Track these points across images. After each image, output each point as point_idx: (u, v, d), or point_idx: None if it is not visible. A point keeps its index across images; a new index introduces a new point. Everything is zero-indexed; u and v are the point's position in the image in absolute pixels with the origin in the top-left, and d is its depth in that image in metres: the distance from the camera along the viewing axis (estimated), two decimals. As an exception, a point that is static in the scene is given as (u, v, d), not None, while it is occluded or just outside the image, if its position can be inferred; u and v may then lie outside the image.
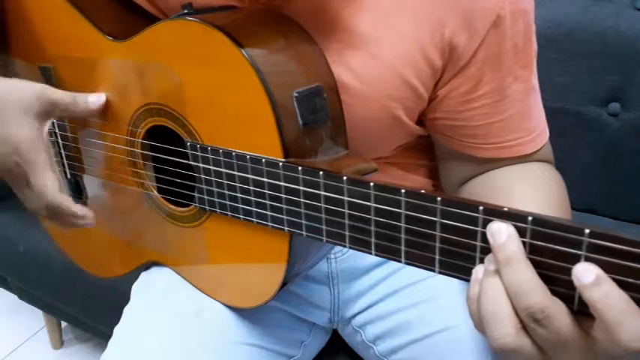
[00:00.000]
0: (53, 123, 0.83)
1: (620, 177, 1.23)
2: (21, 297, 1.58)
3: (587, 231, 0.41)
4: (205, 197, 0.67)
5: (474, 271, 0.48)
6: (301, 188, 0.57)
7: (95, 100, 0.72)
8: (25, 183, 0.68)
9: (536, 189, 0.72)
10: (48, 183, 0.68)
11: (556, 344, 0.44)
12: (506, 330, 0.45)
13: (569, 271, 0.43)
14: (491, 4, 0.65)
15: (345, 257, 0.84)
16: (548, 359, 0.46)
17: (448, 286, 0.78)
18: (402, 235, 0.51)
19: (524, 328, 0.45)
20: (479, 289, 0.47)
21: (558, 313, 0.44)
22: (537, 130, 0.75)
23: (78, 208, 0.72)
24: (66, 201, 0.70)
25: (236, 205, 0.64)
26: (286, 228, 0.61)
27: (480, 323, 0.47)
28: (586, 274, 0.41)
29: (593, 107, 1.22)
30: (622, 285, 0.40)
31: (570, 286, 0.43)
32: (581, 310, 0.43)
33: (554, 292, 0.44)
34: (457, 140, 0.75)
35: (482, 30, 0.65)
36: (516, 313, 0.45)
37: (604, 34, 1.19)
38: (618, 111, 1.21)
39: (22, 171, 0.67)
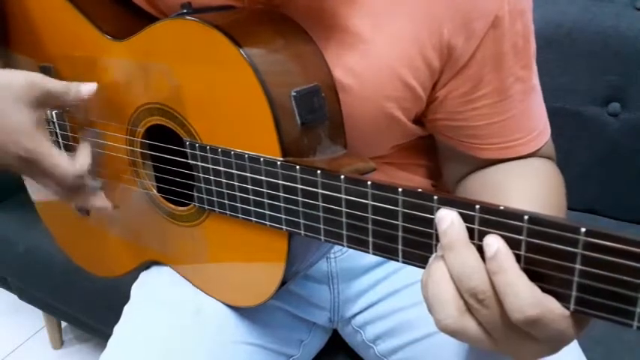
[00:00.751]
0: (53, 122, 0.83)
1: (620, 177, 1.23)
2: (21, 297, 1.59)
3: (583, 229, 0.41)
4: (204, 196, 0.67)
5: (429, 259, 0.49)
6: (299, 187, 0.57)
7: (87, 88, 0.71)
8: (41, 172, 0.68)
9: (532, 184, 0.72)
10: (60, 163, 0.68)
11: (501, 325, 0.45)
12: (449, 311, 0.46)
13: (565, 270, 0.43)
14: (490, 5, 0.65)
15: (345, 257, 0.84)
16: (495, 341, 0.47)
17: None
18: (400, 234, 0.51)
19: (469, 310, 0.46)
20: (427, 274, 0.48)
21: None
22: (538, 130, 0.75)
23: (94, 183, 0.72)
24: (84, 162, 0.71)
25: (235, 204, 0.64)
26: (284, 227, 0.61)
27: (428, 307, 0.48)
28: (488, 246, 0.44)
29: (593, 107, 1.22)
30: (622, 284, 0.40)
31: (567, 285, 0.43)
32: (578, 310, 0.43)
33: (550, 291, 0.44)
34: (458, 141, 0.75)
35: (481, 31, 0.66)
36: (461, 296, 0.46)
37: (604, 34, 1.19)
38: (618, 111, 1.21)
39: (30, 161, 0.67)
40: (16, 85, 0.66)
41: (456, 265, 0.46)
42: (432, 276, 0.47)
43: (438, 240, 0.48)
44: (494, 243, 0.44)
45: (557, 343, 0.47)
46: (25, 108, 0.66)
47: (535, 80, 0.73)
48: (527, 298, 0.43)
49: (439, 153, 0.82)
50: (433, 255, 0.49)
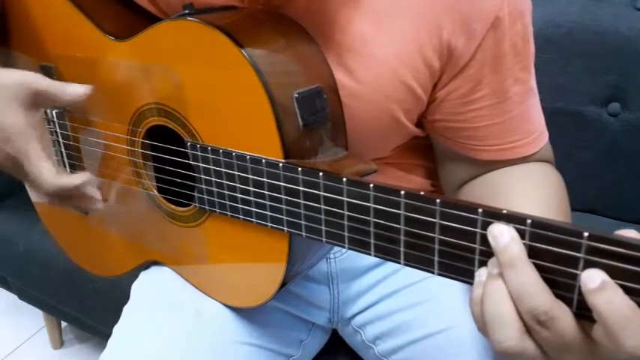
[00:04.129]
0: (54, 122, 0.83)
1: (620, 177, 1.23)
2: (21, 297, 1.58)
3: (586, 234, 0.41)
4: (205, 197, 0.67)
5: (476, 274, 0.47)
6: (301, 189, 0.57)
7: (83, 89, 0.69)
8: (24, 174, 0.67)
9: (535, 189, 0.72)
10: (43, 171, 0.66)
11: (559, 347, 0.44)
12: (510, 333, 0.45)
13: (568, 274, 0.43)
14: (490, 6, 0.65)
15: (345, 257, 0.84)
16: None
17: (448, 286, 0.78)
18: (401, 237, 0.51)
19: (528, 331, 0.45)
20: (482, 292, 0.46)
21: (562, 315, 0.43)
22: (537, 132, 0.75)
23: (90, 190, 0.70)
24: (67, 182, 0.68)
25: (236, 205, 0.64)
26: (286, 228, 0.61)
27: (483, 326, 0.47)
28: (591, 279, 0.41)
29: (593, 107, 1.22)
30: (623, 289, 0.40)
31: (569, 288, 0.43)
32: (580, 314, 0.43)
33: (554, 295, 0.44)
34: (457, 142, 0.75)
35: (481, 32, 0.66)
36: (520, 317, 0.45)
37: (604, 34, 1.19)
38: (618, 111, 1.21)
39: (17, 161, 0.66)
40: (10, 84, 0.65)
41: (517, 284, 0.44)
42: (490, 295, 0.45)
43: (440, 243, 0.48)
44: (597, 275, 0.41)
45: None
46: (19, 108, 0.65)
47: (533, 82, 0.73)
48: None
49: (437, 156, 0.82)
50: (483, 270, 0.47)
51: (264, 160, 0.59)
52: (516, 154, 0.74)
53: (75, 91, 0.68)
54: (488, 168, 0.76)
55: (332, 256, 0.84)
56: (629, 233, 0.42)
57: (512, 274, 0.44)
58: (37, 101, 0.67)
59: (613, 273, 0.40)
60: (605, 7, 1.20)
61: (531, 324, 0.44)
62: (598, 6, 1.20)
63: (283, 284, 0.66)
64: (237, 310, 0.77)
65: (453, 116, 0.72)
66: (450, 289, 0.79)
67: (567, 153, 1.22)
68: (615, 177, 1.24)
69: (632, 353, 0.40)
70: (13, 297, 1.60)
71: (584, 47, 1.20)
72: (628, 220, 1.25)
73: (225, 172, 0.64)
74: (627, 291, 0.40)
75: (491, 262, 0.46)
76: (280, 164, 0.58)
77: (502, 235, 0.44)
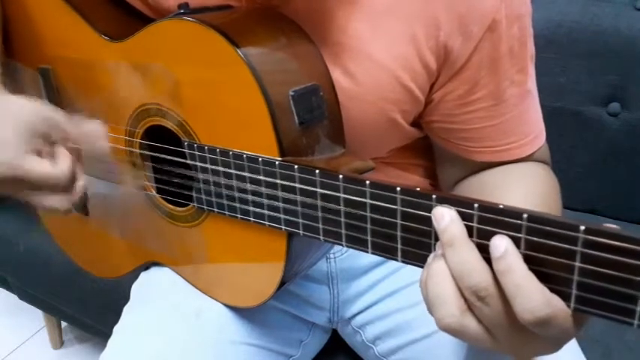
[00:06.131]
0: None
1: (620, 177, 1.23)
2: (21, 297, 1.59)
3: (582, 227, 0.41)
4: (203, 197, 0.67)
5: (428, 258, 0.49)
6: (298, 186, 0.57)
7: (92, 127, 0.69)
8: (30, 186, 0.65)
9: (528, 188, 0.73)
10: (44, 169, 0.64)
11: (502, 323, 0.45)
12: (450, 310, 0.46)
13: (565, 268, 0.42)
14: (487, 8, 0.65)
15: (345, 257, 0.84)
16: (495, 339, 0.46)
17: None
18: (399, 233, 0.51)
19: (470, 308, 0.46)
20: (426, 273, 0.48)
21: (501, 291, 0.45)
22: (533, 134, 0.75)
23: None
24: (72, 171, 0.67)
25: (233, 204, 0.64)
26: (283, 227, 0.61)
27: (429, 306, 0.48)
28: (496, 247, 0.44)
29: (593, 107, 1.22)
30: (621, 281, 0.40)
31: (567, 283, 0.43)
32: (579, 309, 0.43)
33: (550, 290, 0.44)
34: (453, 143, 0.75)
35: (478, 34, 0.66)
36: (462, 294, 0.46)
37: (604, 34, 1.19)
38: (618, 111, 1.21)
39: (18, 178, 0.64)
40: (26, 112, 0.64)
41: (456, 262, 0.45)
42: (432, 274, 0.47)
43: (437, 239, 0.47)
44: (502, 243, 0.44)
45: (560, 341, 0.47)
46: (26, 132, 0.64)
47: (531, 84, 0.73)
48: (538, 299, 0.43)
49: (435, 156, 0.82)
50: (432, 254, 0.49)
51: (260, 159, 0.59)
52: (512, 156, 0.74)
53: (86, 126, 0.68)
54: (484, 168, 0.76)
55: (332, 256, 0.84)
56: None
57: (451, 253, 0.46)
58: (44, 132, 0.65)
59: (610, 266, 0.40)
60: (605, 7, 1.20)
61: (472, 300, 0.45)
62: (598, 6, 1.20)
63: (282, 284, 0.66)
64: (237, 310, 0.77)
65: (449, 118, 0.72)
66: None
67: (567, 153, 1.22)
68: (615, 177, 1.24)
69: (522, 319, 0.43)
70: (13, 297, 1.60)
71: (584, 47, 1.20)
72: (628, 220, 1.25)
73: (223, 171, 0.64)
74: (624, 284, 0.40)
75: (438, 244, 0.47)
76: (277, 162, 0.58)
77: (443, 216, 0.46)
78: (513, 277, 0.43)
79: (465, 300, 0.46)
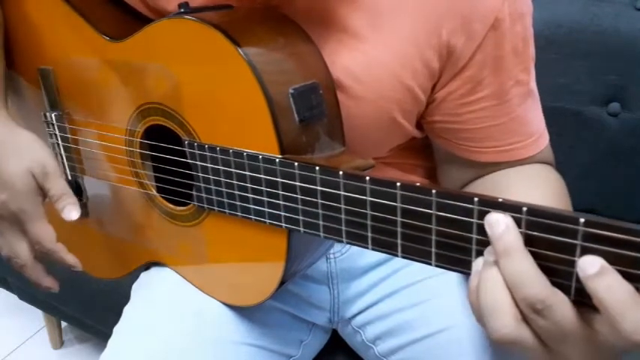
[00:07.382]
0: (53, 125, 0.83)
1: (620, 177, 1.23)
2: (21, 297, 1.59)
3: (582, 220, 0.41)
4: (204, 195, 0.67)
5: (474, 263, 0.47)
6: (298, 184, 0.57)
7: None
8: (20, 231, 0.73)
9: (535, 189, 0.72)
10: (47, 232, 0.74)
11: (557, 336, 0.44)
12: (505, 321, 0.44)
13: (565, 261, 0.42)
14: (490, 7, 0.65)
15: (345, 257, 0.84)
16: (549, 351, 0.45)
17: (448, 286, 0.78)
18: (399, 229, 0.51)
19: (525, 319, 0.44)
20: (478, 281, 0.46)
21: (559, 303, 0.43)
22: (537, 134, 0.75)
23: (70, 258, 0.76)
24: (61, 251, 0.75)
25: (234, 202, 0.64)
26: (284, 224, 0.61)
27: (480, 316, 0.46)
28: (590, 265, 0.41)
29: (593, 107, 1.22)
30: (621, 274, 0.40)
31: (567, 276, 0.43)
32: (579, 301, 0.43)
33: (552, 283, 0.44)
34: (456, 144, 0.75)
35: (481, 32, 0.66)
36: (516, 305, 0.44)
37: (604, 34, 1.19)
38: (618, 111, 1.21)
39: (15, 218, 0.72)
40: (33, 155, 0.73)
41: (512, 272, 0.44)
42: (486, 284, 0.45)
43: (438, 235, 0.47)
44: (597, 262, 0.41)
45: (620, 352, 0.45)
46: (26, 175, 0.71)
47: (533, 84, 0.73)
48: None
49: (436, 158, 0.82)
50: (480, 260, 0.47)
51: (260, 157, 0.60)
52: (515, 156, 0.74)
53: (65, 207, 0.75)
54: (488, 170, 0.76)
55: (332, 255, 0.84)
56: None
57: (508, 263, 0.44)
58: (41, 180, 0.73)
59: (610, 259, 0.40)
60: (605, 7, 1.20)
61: (527, 312, 0.44)
62: (598, 6, 1.20)
63: (282, 282, 0.66)
64: (238, 310, 0.77)
65: (452, 117, 0.72)
66: (449, 288, 0.78)
67: (567, 153, 1.22)
68: (615, 177, 1.24)
69: (631, 338, 0.40)
70: (13, 297, 1.61)
71: (584, 47, 1.20)
72: (628, 220, 1.24)
73: (223, 169, 0.64)
74: (625, 276, 0.40)
75: (488, 250, 0.46)
76: (277, 160, 0.58)
77: (498, 223, 0.44)
78: (616, 294, 0.40)
79: (520, 310, 0.44)
